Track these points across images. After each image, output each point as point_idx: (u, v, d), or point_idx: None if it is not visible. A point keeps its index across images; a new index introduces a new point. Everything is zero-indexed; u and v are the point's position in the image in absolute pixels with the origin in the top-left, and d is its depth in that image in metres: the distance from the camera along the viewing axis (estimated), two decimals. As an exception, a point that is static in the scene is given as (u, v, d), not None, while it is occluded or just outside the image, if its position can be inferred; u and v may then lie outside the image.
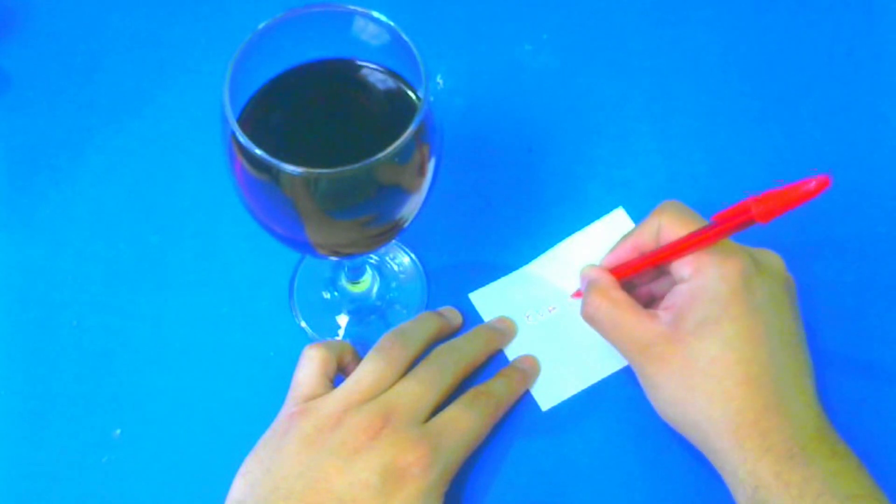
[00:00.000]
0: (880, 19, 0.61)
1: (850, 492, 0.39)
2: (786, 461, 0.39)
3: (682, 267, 0.43)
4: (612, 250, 0.47)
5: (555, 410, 0.49)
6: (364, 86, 0.40)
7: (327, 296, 0.53)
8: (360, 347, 0.47)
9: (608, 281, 0.45)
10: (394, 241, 0.44)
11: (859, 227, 0.54)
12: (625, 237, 0.47)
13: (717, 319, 0.41)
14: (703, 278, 0.42)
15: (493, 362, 0.50)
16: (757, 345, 0.41)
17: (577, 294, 0.50)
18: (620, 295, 0.45)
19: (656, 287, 0.47)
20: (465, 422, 0.44)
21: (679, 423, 0.43)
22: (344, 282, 0.52)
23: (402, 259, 0.54)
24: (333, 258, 0.48)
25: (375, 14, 0.37)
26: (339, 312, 0.53)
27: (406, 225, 0.40)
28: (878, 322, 0.51)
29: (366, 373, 0.44)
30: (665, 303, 0.43)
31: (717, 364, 0.41)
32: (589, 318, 0.45)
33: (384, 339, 0.46)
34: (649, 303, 0.47)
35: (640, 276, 0.47)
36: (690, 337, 0.41)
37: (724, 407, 0.41)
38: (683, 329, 0.42)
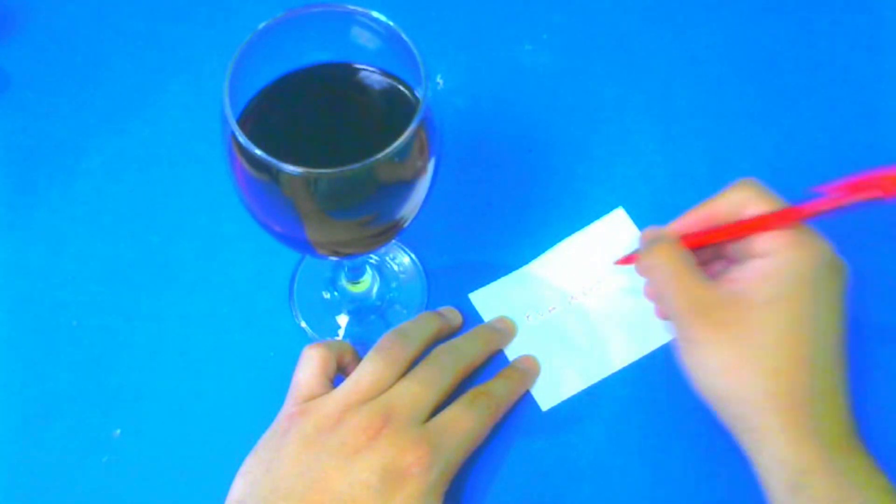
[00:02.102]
0: (880, 20, 0.61)
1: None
2: (833, 448, 0.39)
3: (762, 242, 0.42)
4: (679, 218, 0.46)
5: (555, 410, 0.49)
6: (364, 86, 0.40)
7: (327, 296, 0.53)
8: (360, 347, 0.47)
9: (672, 239, 0.44)
10: (394, 241, 0.44)
11: (857, 230, 0.54)
12: (696, 208, 0.45)
13: (791, 298, 0.41)
14: (786, 255, 0.41)
15: (493, 362, 0.50)
16: (820, 332, 0.41)
17: (627, 259, 0.48)
18: (683, 254, 0.44)
19: (712, 270, 0.46)
20: (465, 422, 0.44)
21: (720, 396, 0.42)
22: (344, 282, 0.52)
23: (402, 259, 0.54)
24: (333, 258, 0.48)
25: (375, 14, 0.37)
26: (339, 312, 0.53)
27: (406, 225, 0.40)
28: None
29: (366, 373, 0.44)
30: (730, 275, 0.43)
31: (782, 341, 0.40)
32: (647, 269, 0.44)
33: (384, 339, 0.46)
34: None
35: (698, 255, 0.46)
36: (758, 309, 0.41)
37: (776, 384, 0.40)
38: (751, 300, 0.41)
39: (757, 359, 0.41)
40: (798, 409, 0.40)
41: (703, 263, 0.46)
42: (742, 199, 0.44)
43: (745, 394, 0.41)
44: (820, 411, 0.40)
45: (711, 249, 0.45)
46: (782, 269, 0.41)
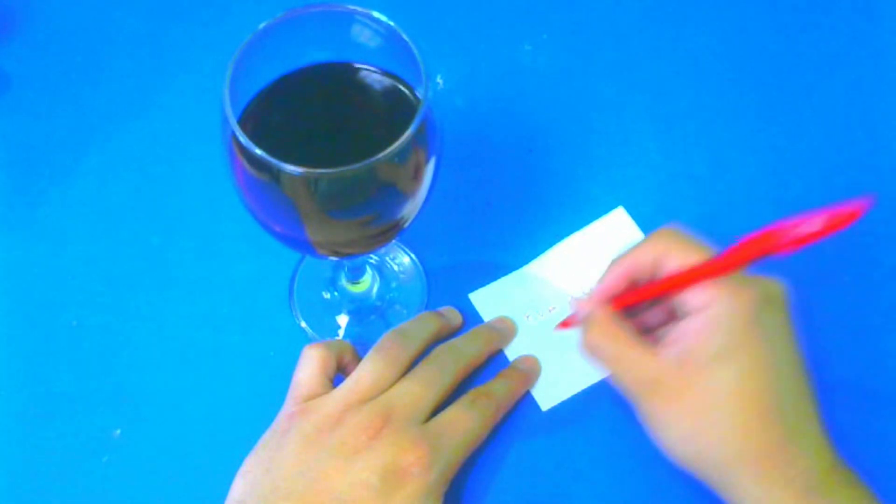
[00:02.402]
0: (880, 20, 0.61)
1: None
2: (808, 492, 0.38)
3: (691, 298, 0.40)
4: (602, 279, 0.44)
5: (555, 410, 0.49)
6: (364, 86, 0.40)
7: (327, 296, 0.53)
8: (360, 347, 0.47)
9: (606, 315, 0.43)
10: (394, 241, 0.44)
11: (857, 230, 0.54)
12: (616, 262, 0.43)
13: (733, 351, 0.39)
14: (718, 309, 0.39)
15: (493, 362, 0.50)
16: (772, 376, 0.39)
17: (564, 324, 0.48)
18: (621, 330, 0.42)
19: (651, 317, 0.45)
20: (465, 422, 0.44)
21: (692, 461, 0.41)
22: (344, 282, 0.52)
23: (402, 259, 0.54)
24: (333, 258, 0.48)
25: (375, 14, 0.37)
26: (339, 312, 0.53)
27: (406, 225, 0.40)
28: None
29: (366, 373, 0.44)
30: (670, 337, 0.41)
31: (735, 397, 0.39)
32: (591, 353, 0.43)
33: (384, 339, 0.46)
34: (642, 334, 0.45)
35: (633, 308, 0.44)
36: (705, 370, 0.39)
37: (742, 441, 0.39)
38: (697, 362, 0.40)
39: (715, 423, 0.39)
40: (767, 459, 0.39)
41: (644, 311, 0.45)
42: (663, 250, 0.42)
43: (712, 456, 0.40)
44: (793, 455, 0.39)
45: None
46: (718, 322, 0.39)
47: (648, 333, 0.45)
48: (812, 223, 0.35)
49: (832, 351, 0.50)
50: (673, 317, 0.43)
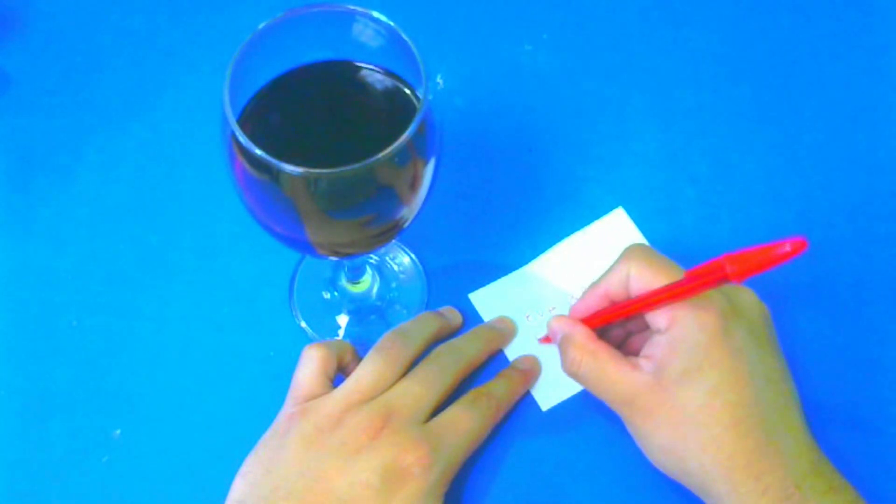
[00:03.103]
0: (880, 20, 0.61)
1: None
2: (783, 501, 0.39)
3: (657, 318, 0.42)
4: (581, 298, 0.46)
5: (555, 410, 0.49)
6: (364, 86, 0.40)
7: (327, 296, 0.53)
8: (360, 347, 0.47)
9: (583, 333, 0.44)
10: (394, 241, 0.44)
11: (857, 230, 0.54)
12: (594, 284, 0.45)
13: (699, 367, 0.40)
14: (681, 329, 0.41)
15: (493, 362, 0.50)
16: (741, 387, 0.40)
17: (546, 339, 0.48)
18: (599, 346, 0.43)
19: (633, 326, 0.46)
20: (465, 422, 0.44)
21: (673, 471, 0.42)
22: (344, 282, 0.52)
23: (402, 259, 0.54)
24: (333, 258, 0.48)
25: (375, 14, 0.37)
26: (339, 312, 0.53)
27: (406, 225, 0.40)
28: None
29: (366, 373, 0.44)
30: (645, 352, 0.43)
31: (704, 411, 0.40)
32: (571, 373, 0.44)
33: (384, 339, 0.46)
34: (625, 341, 0.47)
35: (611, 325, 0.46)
36: (674, 387, 0.41)
37: (715, 453, 0.40)
38: (667, 379, 0.41)
39: (691, 435, 0.40)
40: (742, 471, 0.39)
41: (626, 323, 0.46)
42: (628, 271, 0.43)
43: (690, 467, 0.41)
44: (768, 466, 0.39)
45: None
46: (682, 340, 0.41)
47: (632, 338, 0.46)
48: (763, 252, 0.36)
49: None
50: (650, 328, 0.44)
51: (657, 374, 0.41)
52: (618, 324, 0.46)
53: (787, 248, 0.35)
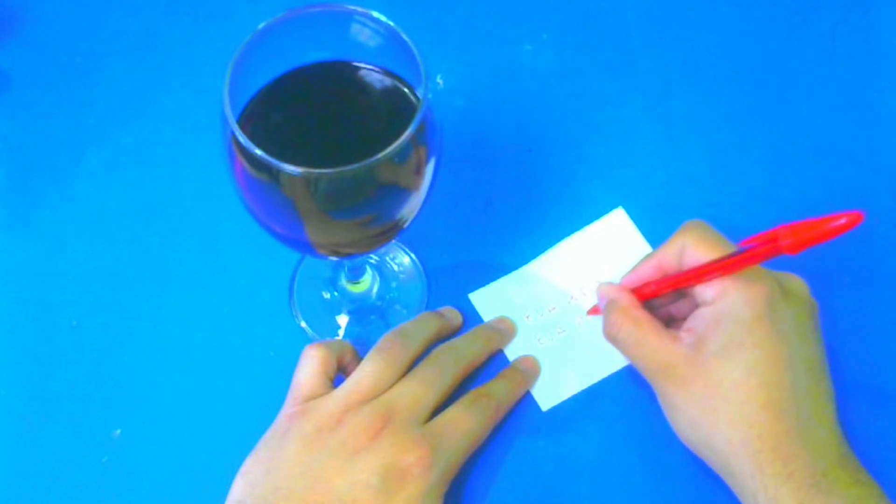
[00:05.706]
0: (880, 20, 0.61)
1: None
2: (807, 489, 0.38)
3: (706, 290, 0.42)
4: (633, 269, 0.46)
5: (555, 410, 0.49)
6: (364, 86, 0.40)
7: (327, 296, 0.53)
8: (360, 347, 0.47)
9: (629, 300, 0.45)
10: (394, 241, 0.44)
11: (856, 230, 0.54)
12: (648, 256, 0.46)
13: (741, 344, 0.40)
14: (727, 302, 0.41)
15: (493, 362, 0.50)
16: (780, 370, 0.40)
17: (594, 310, 0.49)
18: (642, 314, 0.44)
19: (676, 309, 0.47)
20: (465, 423, 0.44)
21: (698, 446, 0.42)
22: (344, 282, 0.52)
23: (402, 259, 0.54)
24: (333, 258, 0.48)
25: (375, 14, 0.37)
26: (339, 312, 0.53)
27: (406, 225, 0.40)
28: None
29: (366, 373, 0.44)
30: (687, 325, 0.43)
31: (740, 389, 0.40)
32: (611, 337, 0.45)
33: (384, 340, 0.46)
34: (668, 325, 0.46)
35: (660, 298, 0.46)
36: (713, 360, 0.41)
37: (745, 432, 0.40)
38: (706, 352, 0.41)
39: (722, 411, 0.40)
40: (769, 452, 0.39)
41: (671, 303, 0.46)
42: (685, 246, 0.44)
43: (717, 443, 0.41)
44: (796, 451, 0.39)
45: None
46: (727, 314, 0.41)
47: (675, 324, 0.46)
48: (818, 225, 0.35)
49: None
50: (697, 307, 0.44)
51: (697, 345, 0.41)
52: (663, 303, 0.46)
53: (843, 220, 0.34)
